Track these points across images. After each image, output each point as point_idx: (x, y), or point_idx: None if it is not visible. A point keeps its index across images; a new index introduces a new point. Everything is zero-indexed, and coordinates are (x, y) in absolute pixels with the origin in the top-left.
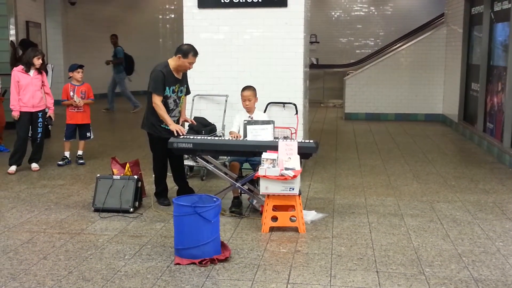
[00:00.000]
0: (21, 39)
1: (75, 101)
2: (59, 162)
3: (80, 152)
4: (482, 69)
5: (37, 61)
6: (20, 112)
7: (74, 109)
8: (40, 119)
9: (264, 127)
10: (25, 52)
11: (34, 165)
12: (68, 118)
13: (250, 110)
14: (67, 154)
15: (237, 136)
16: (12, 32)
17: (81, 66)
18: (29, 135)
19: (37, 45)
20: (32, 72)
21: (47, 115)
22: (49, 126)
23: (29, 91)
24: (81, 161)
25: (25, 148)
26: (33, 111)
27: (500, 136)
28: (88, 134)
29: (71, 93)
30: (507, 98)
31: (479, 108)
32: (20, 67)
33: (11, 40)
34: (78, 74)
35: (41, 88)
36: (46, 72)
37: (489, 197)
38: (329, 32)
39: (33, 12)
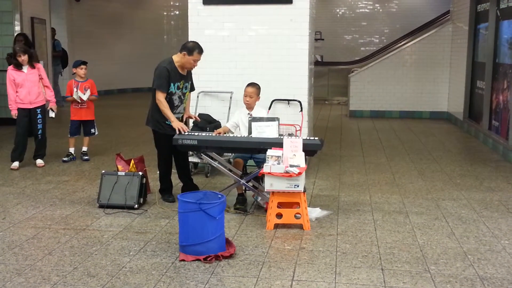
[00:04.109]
0: (18, 34)
1: (79, 97)
2: (64, 158)
3: (84, 149)
4: (488, 67)
5: (20, 58)
6: (19, 108)
7: (78, 106)
8: (39, 115)
9: (269, 124)
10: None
11: (39, 161)
12: (72, 115)
13: (249, 106)
14: (72, 150)
15: (220, 133)
16: (17, 28)
17: (84, 63)
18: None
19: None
20: (26, 68)
21: (49, 107)
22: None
23: (25, 88)
24: (86, 157)
25: (25, 144)
26: (31, 107)
27: (506, 134)
28: (92, 130)
29: (75, 89)
30: None
31: (484, 106)
32: (12, 65)
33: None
34: (81, 71)
35: (39, 82)
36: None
37: (494, 195)
38: (334, 29)
39: (38, 8)
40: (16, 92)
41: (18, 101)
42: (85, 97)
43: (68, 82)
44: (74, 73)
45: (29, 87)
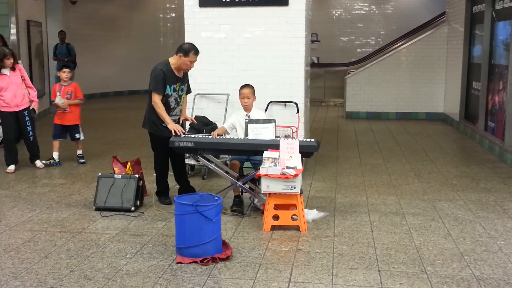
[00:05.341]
0: None
1: (56, 103)
2: (43, 161)
3: (79, 152)
4: (484, 68)
5: (8, 61)
6: (5, 112)
7: (61, 110)
8: (27, 118)
9: (265, 126)
10: None
11: (39, 163)
12: (56, 118)
13: (248, 108)
14: (55, 155)
15: (218, 135)
16: (13, 31)
17: (67, 66)
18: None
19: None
20: (8, 71)
21: (31, 108)
22: (34, 119)
23: (10, 91)
24: (82, 161)
25: (16, 146)
26: (18, 110)
27: (502, 134)
28: (77, 135)
29: (58, 93)
30: (509, 96)
31: (480, 106)
32: None
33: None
34: (63, 74)
35: (22, 83)
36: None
37: (490, 195)
38: (330, 31)
39: (34, 11)
40: (1, 96)
41: (4, 105)
42: (59, 103)
43: (53, 86)
44: (58, 76)
45: (14, 89)
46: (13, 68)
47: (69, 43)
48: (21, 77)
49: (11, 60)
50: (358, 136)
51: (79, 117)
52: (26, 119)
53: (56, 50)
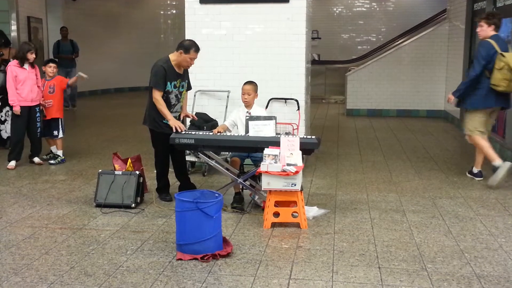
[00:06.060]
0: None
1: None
2: (51, 161)
3: (57, 151)
4: None
5: (31, 56)
6: (20, 107)
7: (45, 105)
8: (38, 114)
9: (266, 123)
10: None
11: (38, 160)
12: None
13: (248, 104)
14: (59, 152)
15: (219, 132)
16: (14, 27)
17: (53, 61)
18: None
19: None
20: (28, 66)
21: (40, 108)
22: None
23: (27, 85)
24: (52, 162)
25: (23, 142)
26: (32, 105)
27: (502, 132)
28: (55, 132)
29: (41, 88)
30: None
31: None
32: (15, 61)
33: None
34: (49, 69)
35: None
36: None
37: (491, 193)
38: (331, 28)
39: (35, 8)
40: (16, 89)
41: (20, 99)
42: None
43: None
44: (44, 71)
45: (30, 85)
46: (32, 65)
47: (72, 39)
48: (35, 75)
49: (34, 56)
50: (359, 133)
51: (62, 111)
52: (37, 115)
53: (59, 47)
